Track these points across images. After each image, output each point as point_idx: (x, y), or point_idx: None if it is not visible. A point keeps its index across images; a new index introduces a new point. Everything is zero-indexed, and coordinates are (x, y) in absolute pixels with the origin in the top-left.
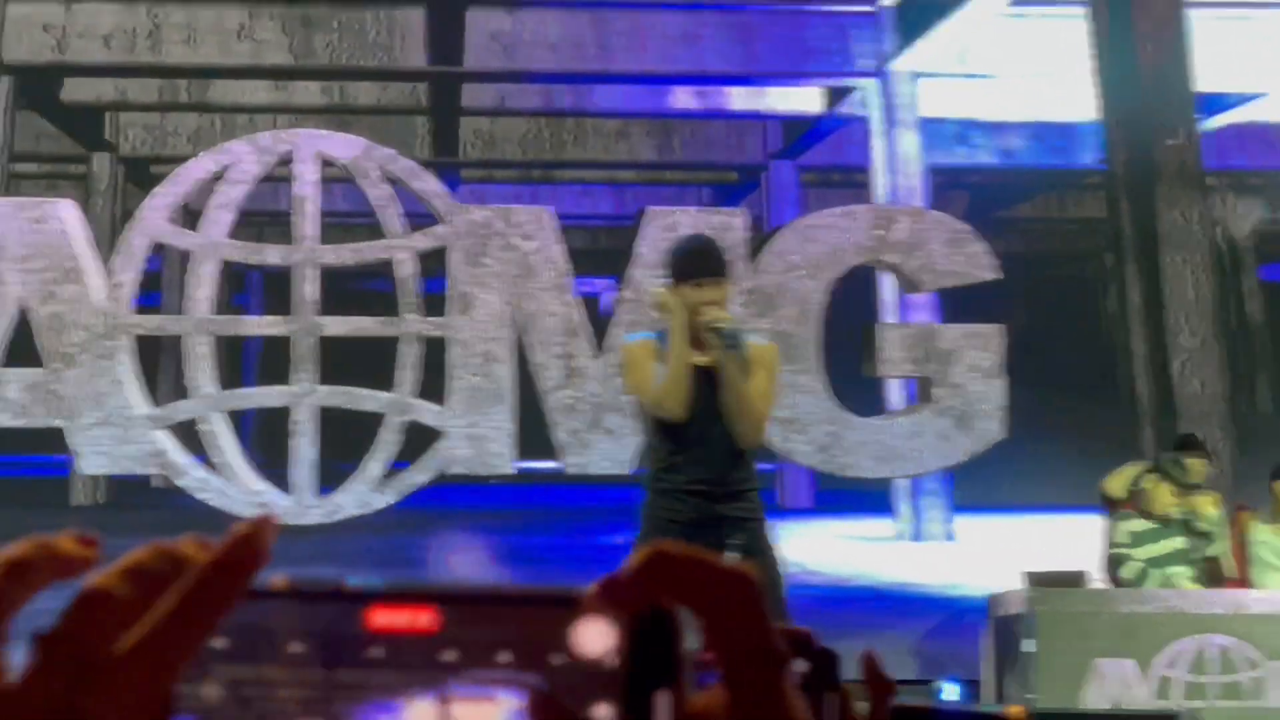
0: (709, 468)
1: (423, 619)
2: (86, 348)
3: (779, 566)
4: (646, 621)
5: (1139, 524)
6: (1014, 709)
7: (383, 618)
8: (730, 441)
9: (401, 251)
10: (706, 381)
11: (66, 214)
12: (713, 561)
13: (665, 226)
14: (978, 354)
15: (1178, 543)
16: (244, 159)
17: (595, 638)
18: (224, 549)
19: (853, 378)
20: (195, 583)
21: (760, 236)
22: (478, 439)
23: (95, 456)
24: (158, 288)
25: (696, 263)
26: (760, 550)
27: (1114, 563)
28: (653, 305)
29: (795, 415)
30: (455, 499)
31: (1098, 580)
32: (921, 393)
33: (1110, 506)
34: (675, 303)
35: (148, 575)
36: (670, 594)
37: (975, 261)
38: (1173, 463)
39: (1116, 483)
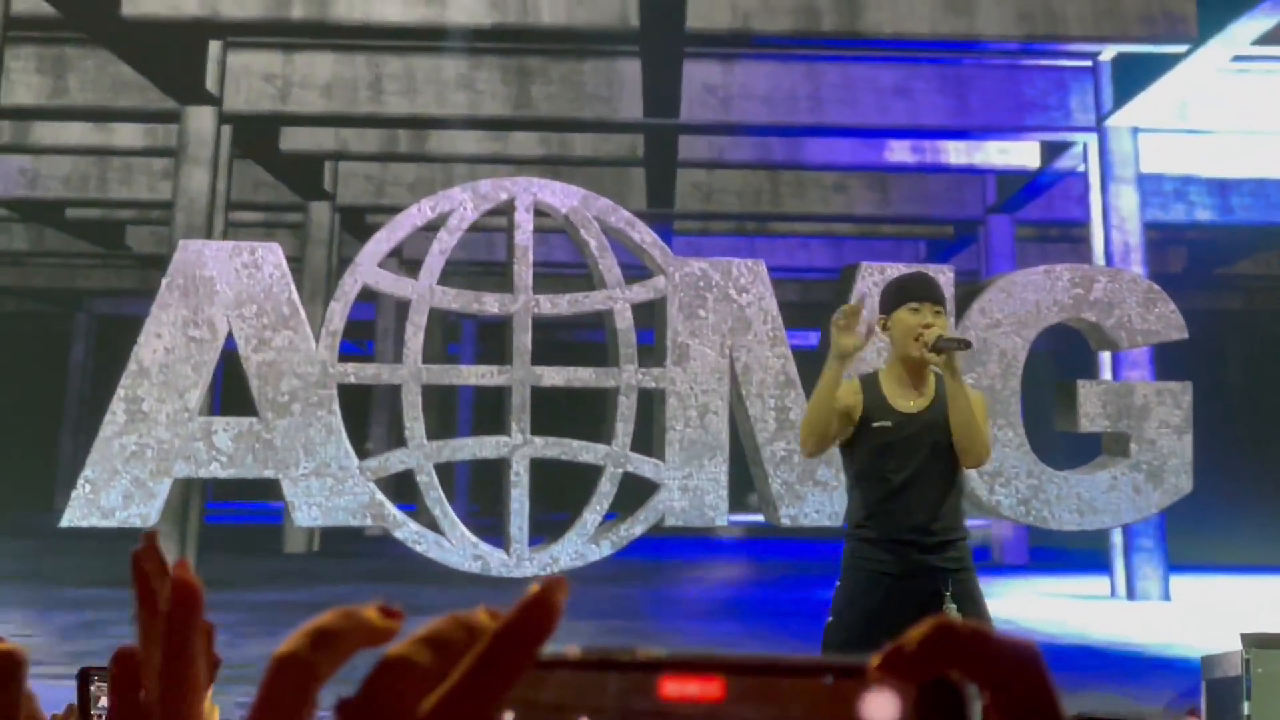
0: (919, 516)
1: (712, 689)
2: (299, 396)
3: (990, 619)
4: (934, 694)
5: None
6: None
7: (674, 688)
8: (940, 489)
9: (619, 302)
10: (916, 425)
11: (280, 259)
12: (998, 634)
13: (876, 282)
14: (1168, 410)
15: None
16: (463, 206)
17: (882, 710)
18: (516, 613)
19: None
20: (488, 648)
21: (969, 287)
22: (694, 491)
23: (309, 508)
24: (371, 336)
25: (911, 287)
26: (973, 601)
27: None
28: (867, 333)
29: (999, 468)
30: (666, 551)
31: None
32: (1111, 447)
33: None
34: (894, 324)
35: (446, 644)
36: (956, 666)
37: (1167, 321)
38: None
39: None
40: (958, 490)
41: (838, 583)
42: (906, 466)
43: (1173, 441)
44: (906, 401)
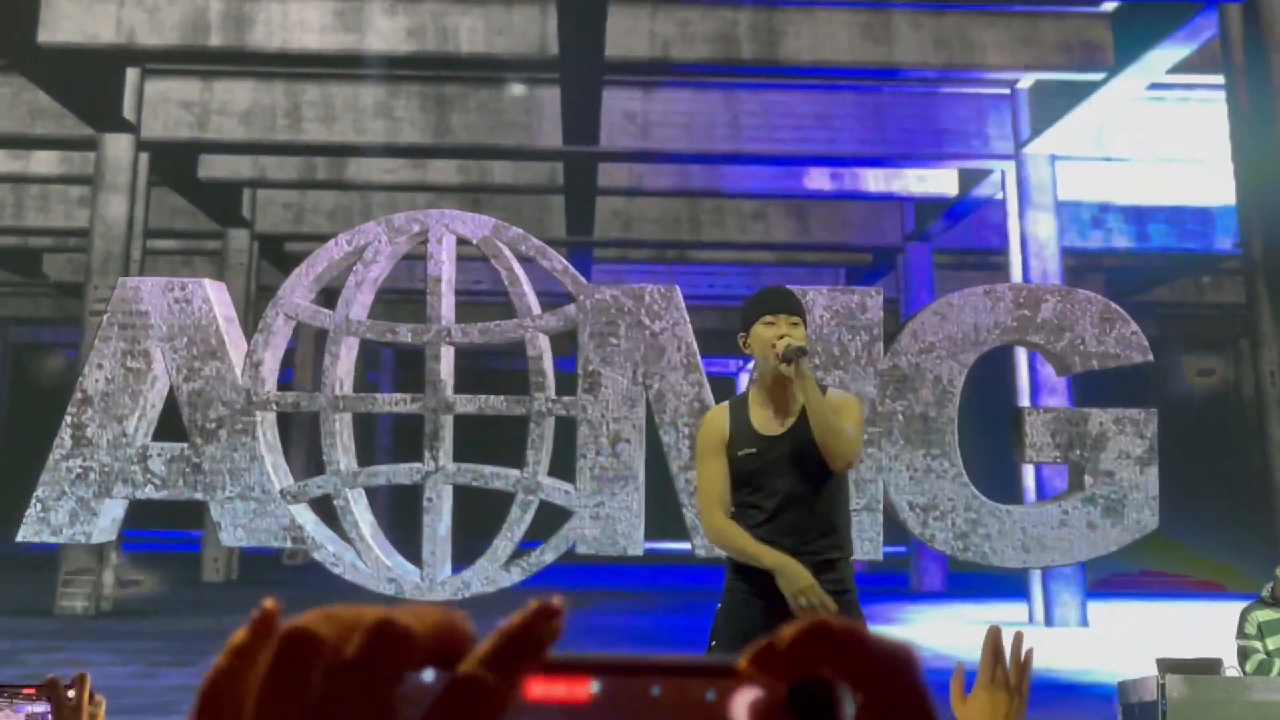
0: (793, 539)
1: (580, 691)
2: (225, 423)
3: None
4: (805, 693)
5: (1268, 614)
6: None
7: (540, 689)
8: (815, 508)
9: (531, 331)
10: (783, 447)
11: (210, 292)
12: (873, 635)
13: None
14: (1129, 440)
15: None
16: (378, 239)
17: (752, 708)
18: (513, 629)
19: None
20: (480, 665)
21: (897, 323)
22: (606, 519)
23: (234, 529)
24: (291, 364)
25: (766, 300)
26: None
27: (1241, 654)
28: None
29: (933, 501)
30: (585, 579)
31: (1232, 668)
32: (1072, 480)
33: None
34: (753, 340)
35: (350, 623)
36: (828, 665)
37: (1128, 343)
38: None
39: None
40: (838, 508)
41: (717, 607)
42: (777, 491)
43: (1134, 474)
44: (772, 424)
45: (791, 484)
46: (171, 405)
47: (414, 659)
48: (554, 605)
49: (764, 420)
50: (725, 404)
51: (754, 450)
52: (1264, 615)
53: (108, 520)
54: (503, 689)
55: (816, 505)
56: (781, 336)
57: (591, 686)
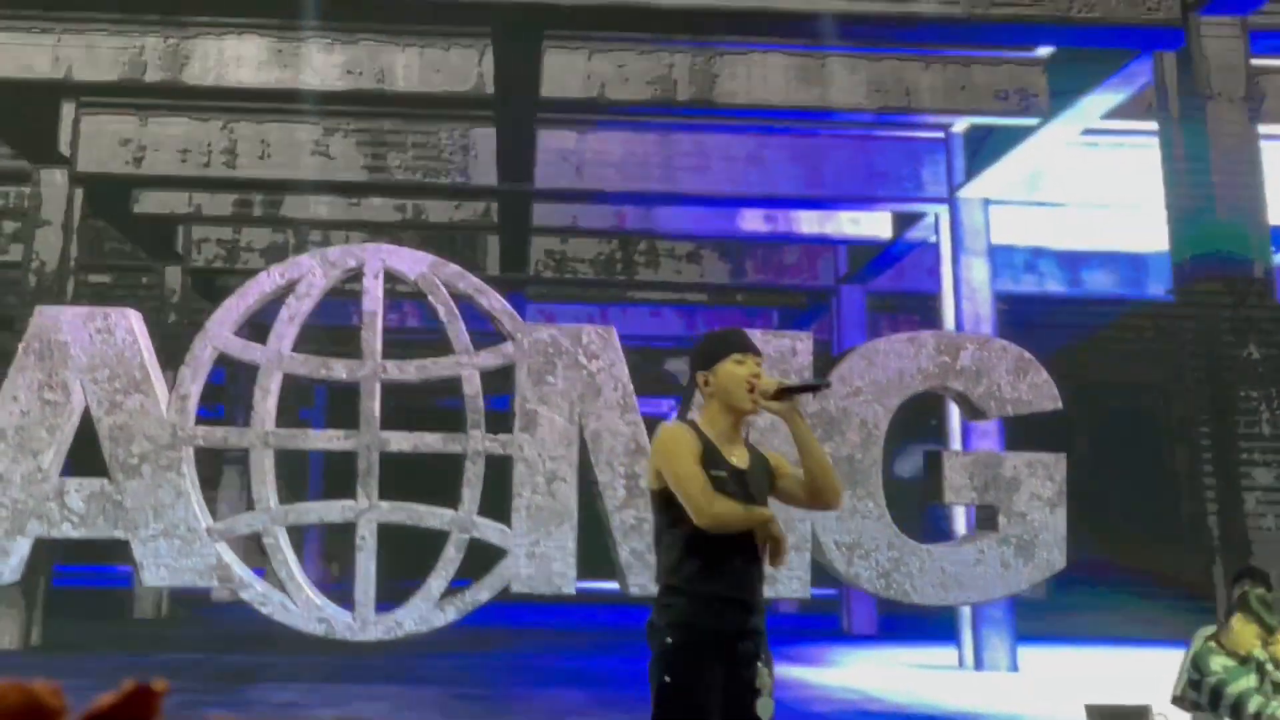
0: (744, 578)
1: None
2: (149, 458)
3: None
4: None
5: (1225, 659)
6: None
7: None
8: (755, 551)
9: (467, 369)
10: (742, 481)
11: (133, 324)
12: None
13: None
14: (1040, 482)
15: (1249, 681)
16: (312, 272)
17: None
18: (108, 705)
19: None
20: None
21: (826, 360)
22: (540, 558)
23: (157, 569)
24: (223, 400)
25: (735, 340)
26: (770, 669)
27: (1214, 694)
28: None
29: (858, 540)
30: (518, 618)
31: (1161, 716)
32: (983, 521)
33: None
34: (721, 376)
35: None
36: None
37: (1039, 391)
38: (1260, 601)
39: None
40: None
41: (667, 640)
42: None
43: (1045, 515)
44: (732, 457)
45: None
46: (86, 439)
47: None
48: (151, 687)
49: (726, 451)
50: (680, 423)
51: (724, 474)
52: (1222, 661)
53: (15, 560)
54: None
55: (755, 548)
56: (755, 376)
57: None
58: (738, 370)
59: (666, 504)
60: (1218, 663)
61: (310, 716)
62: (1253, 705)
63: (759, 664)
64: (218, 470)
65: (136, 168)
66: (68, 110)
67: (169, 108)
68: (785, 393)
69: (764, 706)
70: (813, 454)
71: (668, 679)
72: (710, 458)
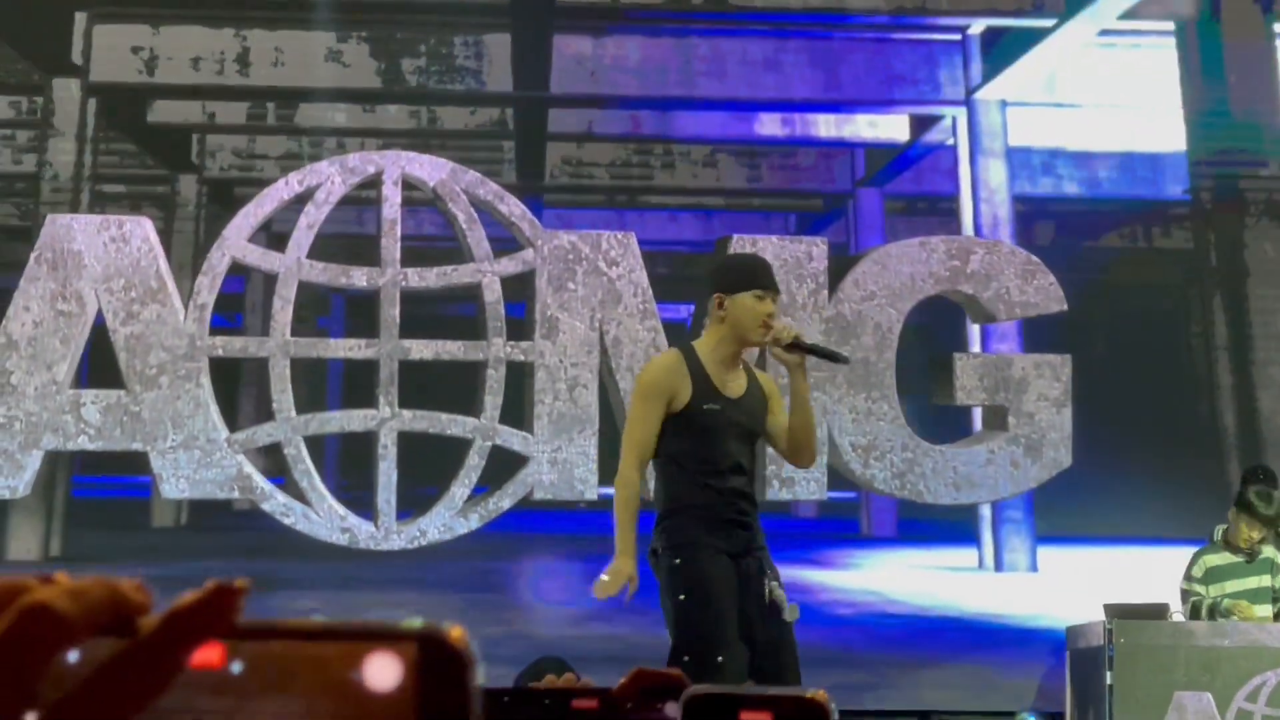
0: (741, 499)
1: (210, 655)
2: (167, 369)
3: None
4: (434, 655)
5: (1217, 558)
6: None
7: (197, 656)
8: (751, 473)
9: (488, 275)
10: (738, 411)
11: (149, 233)
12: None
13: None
14: (1047, 383)
15: (1259, 581)
16: (330, 179)
17: (383, 672)
18: (187, 605)
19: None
20: (146, 639)
21: (843, 260)
22: (563, 464)
23: (176, 480)
24: (241, 309)
25: (761, 274)
26: (778, 579)
27: (1183, 598)
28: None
29: (874, 442)
30: (539, 525)
31: (1178, 613)
32: (991, 421)
33: None
34: (736, 306)
35: (92, 603)
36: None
37: (1046, 293)
38: (1258, 495)
39: None
40: (757, 481)
41: (675, 561)
42: (729, 452)
43: (1051, 415)
44: (728, 386)
45: (737, 449)
46: (101, 350)
47: (66, 640)
48: (234, 586)
49: (722, 381)
50: (675, 353)
51: (718, 407)
52: (1212, 559)
53: (31, 474)
54: (164, 662)
55: (751, 470)
56: (771, 315)
57: (228, 653)
58: (756, 306)
59: (660, 429)
60: (1203, 564)
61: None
62: (1189, 609)
63: (766, 579)
64: (237, 380)
65: (150, 76)
66: (80, 19)
67: (181, 17)
68: (798, 348)
69: (790, 612)
70: (802, 412)
71: (682, 597)
72: (701, 388)
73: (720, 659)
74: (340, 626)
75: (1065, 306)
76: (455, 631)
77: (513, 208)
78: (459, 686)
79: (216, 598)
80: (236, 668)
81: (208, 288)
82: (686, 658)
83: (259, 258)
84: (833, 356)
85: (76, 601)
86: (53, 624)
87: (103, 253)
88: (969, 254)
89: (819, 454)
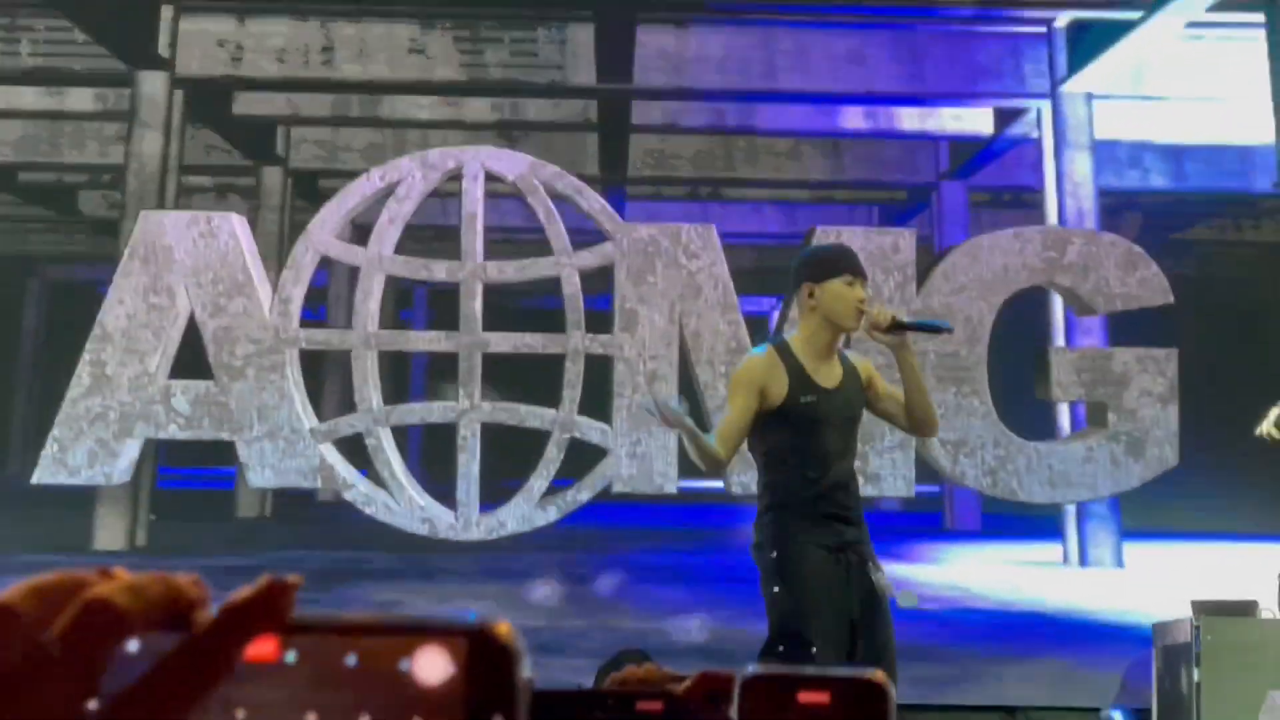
0: (842, 492)
1: (265, 649)
2: (253, 361)
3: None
4: (483, 649)
5: None
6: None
7: (251, 650)
8: (852, 466)
9: (567, 268)
10: (836, 401)
11: (236, 228)
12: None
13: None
14: (1151, 378)
15: None
16: (412, 175)
17: (434, 665)
18: (244, 601)
19: (1028, 402)
20: (200, 636)
21: (930, 258)
22: (642, 458)
23: (262, 470)
24: (324, 302)
25: (849, 261)
26: (881, 572)
27: None
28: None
29: (964, 437)
30: (620, 517)
31: (1267, 610)
32: (1093, 417)
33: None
34: (826, 294)
35: (150, 599)
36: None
37: (1149, 285)
38: None
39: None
40: (852, 471)
41: (772, 555)
42: (831, 442)
43: (1156, 411)
44: (824, 376)
45: (837, 440)
46: (192, 342)
47: (126, 634)
48: (287, 582)
49: (818, 372)
50: (770, 348)
51: (814, 399)
52: None
53: (125, 462)
54: (219, 656)
55: (852, 463)
56: (863, 300)
57: (281, 647)
58: (848, 292)
59: (759, 425)
60: None
61: (411, 613)
62: None
63: (869, 570)
64: (322, 372)
65: (235, 69)
66: (166, 13)
67: (267, 9)
68: (899, 328)
69: (905, 598)
70: (919, 390)
71: (777, 589)
72: (798, 382)
73: (814, 649)
74: (390, 621)
75: (1171, 298)
76: (503, 627)
77: (592, 201)
78: (506, 680)
79: (270, 593)
80: (290, 660)
81: (292, 281)
82: (781, 648)
83: (342, 251)
84: (936, 329)
85: (135, 596)
86: (113, 618)
87: (192, 248)
88: (1066, 244)
89: (937, 425)
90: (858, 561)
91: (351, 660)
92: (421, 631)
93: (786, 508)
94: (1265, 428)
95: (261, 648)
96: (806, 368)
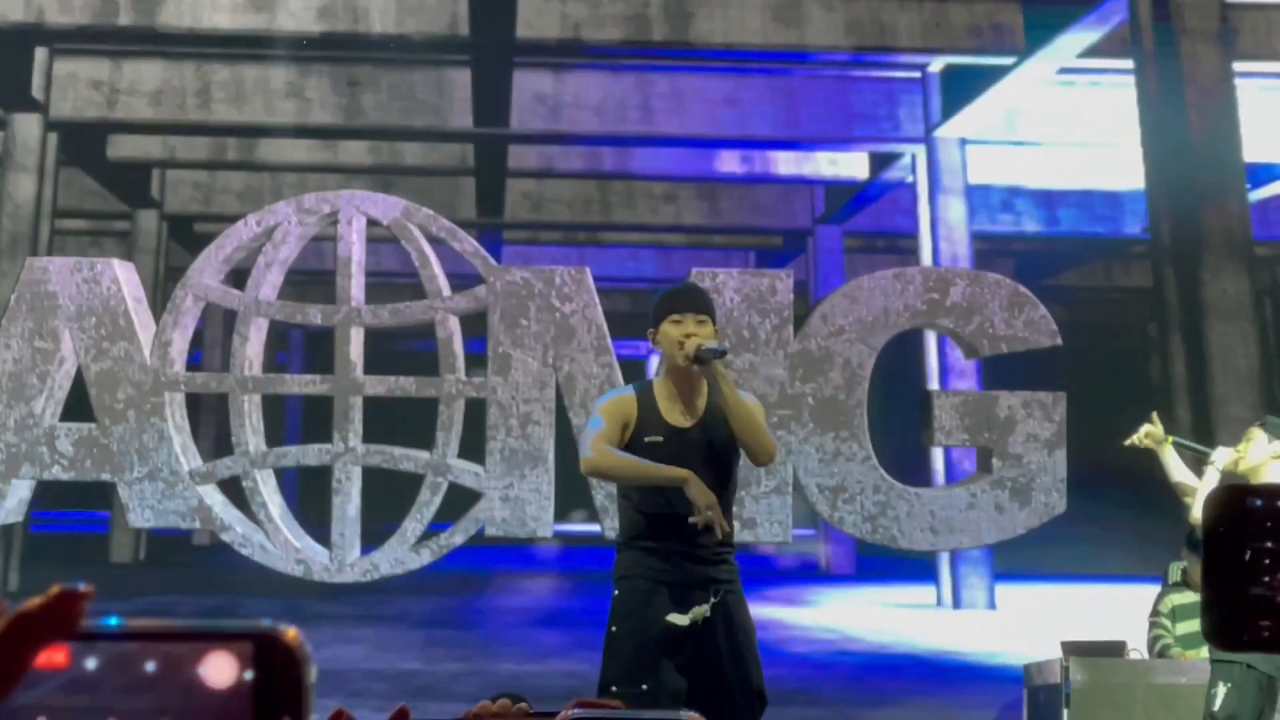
0: (688, 531)
1: (56, 657)
2: (134, 404)
3: (754, 637)
4: (270, 652)
5: (1183, 596)
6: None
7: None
8: (722, 505)
9: (441, 312)
10: (687, 440)
11: (119, 273)
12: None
13: (710, 288)
14: (1037, 423)
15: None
16: (289, 220)
17: (221, 669)
18: (34, 608)
19: (912, 448)
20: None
21: (804, 301)
22: (515, 501)
23: (142, 510)
24: (200, 345)
25: (674, 299)
26: (743, 616)
27: (1151, 632)
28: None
29: (842, 483)
30: (494, 561)
31: (1135, 651)
32: (980, 462)
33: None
34: (661, 337)
35: None
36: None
37: (1036, 327)
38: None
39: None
40: (730, 506)
41: (615, 593)
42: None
43: (1043, 456)
44: (678, 416)
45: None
46: (79, 386)
47: None
48: (78, 592)
49: (670, 412)
50: (630, 390)
51: (660, 439)
52: (1177, 598)
53: (14, 501)
54: (8, 664)
55: (721, 499)
56: (688, 335)
57: (75, 655)
58: (671, 331)
59: None
60: (1169, 603)
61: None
62: (1158, 646)
63: (705, 604)
64: (198, 416)
65: (110, 112)
66: (40, 55)
67: (142, 52)
68: (700, 360)
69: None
70: (735, 414)
71: (613, 629)
72: (647, 422)
73: (645, 687)
74: (182, 628)
75: (1059, 340)
76: (290, 632)
77: (465, 244)
78: (295, 683)
79: (60, 602)
80: (90, 667)
81: (171, 325)
82: (614, 688)
83: (220, 296)
84: (719, 354)
85: None
86: None
87: (75, 293)
88: (949, 285)
89: (772, 453)
90: (706, 600)
91: (150, 666)
92: (211, 637)
93: (633, 546)
94: (1135, 438)
95: (52, 656)
96: (660, 408)
